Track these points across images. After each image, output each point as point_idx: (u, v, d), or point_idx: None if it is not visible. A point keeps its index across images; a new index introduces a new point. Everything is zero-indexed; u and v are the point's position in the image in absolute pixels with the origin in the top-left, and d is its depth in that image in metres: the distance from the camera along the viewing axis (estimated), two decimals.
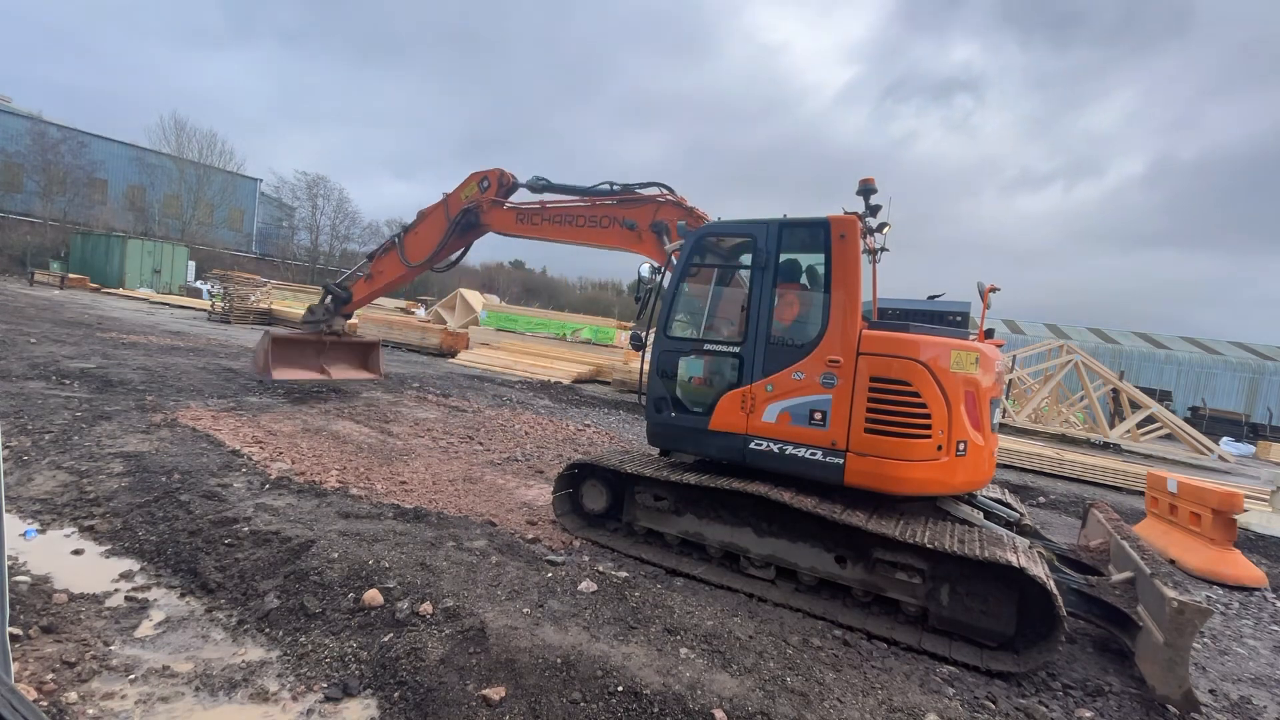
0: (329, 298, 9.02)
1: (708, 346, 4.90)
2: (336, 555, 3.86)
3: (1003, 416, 18.13)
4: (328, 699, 2.81)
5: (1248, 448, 22.38)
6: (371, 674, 2.96)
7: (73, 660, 2.82)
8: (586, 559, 4.51)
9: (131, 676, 2.82)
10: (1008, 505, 5.10)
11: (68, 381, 8.11)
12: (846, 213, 4.37)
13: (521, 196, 7.42)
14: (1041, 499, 9.35)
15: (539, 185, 6.86)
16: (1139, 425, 17.05)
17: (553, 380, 15.64)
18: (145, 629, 3.21)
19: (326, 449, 6.60)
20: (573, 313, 30.12)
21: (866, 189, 4.69)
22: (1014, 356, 20.13)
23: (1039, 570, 3.55)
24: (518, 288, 55.31)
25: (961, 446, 4.00)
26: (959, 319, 4.47)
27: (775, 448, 4.33)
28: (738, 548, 4.45)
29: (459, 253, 8.31)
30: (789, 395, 4.29)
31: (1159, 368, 34.74)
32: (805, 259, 4.63)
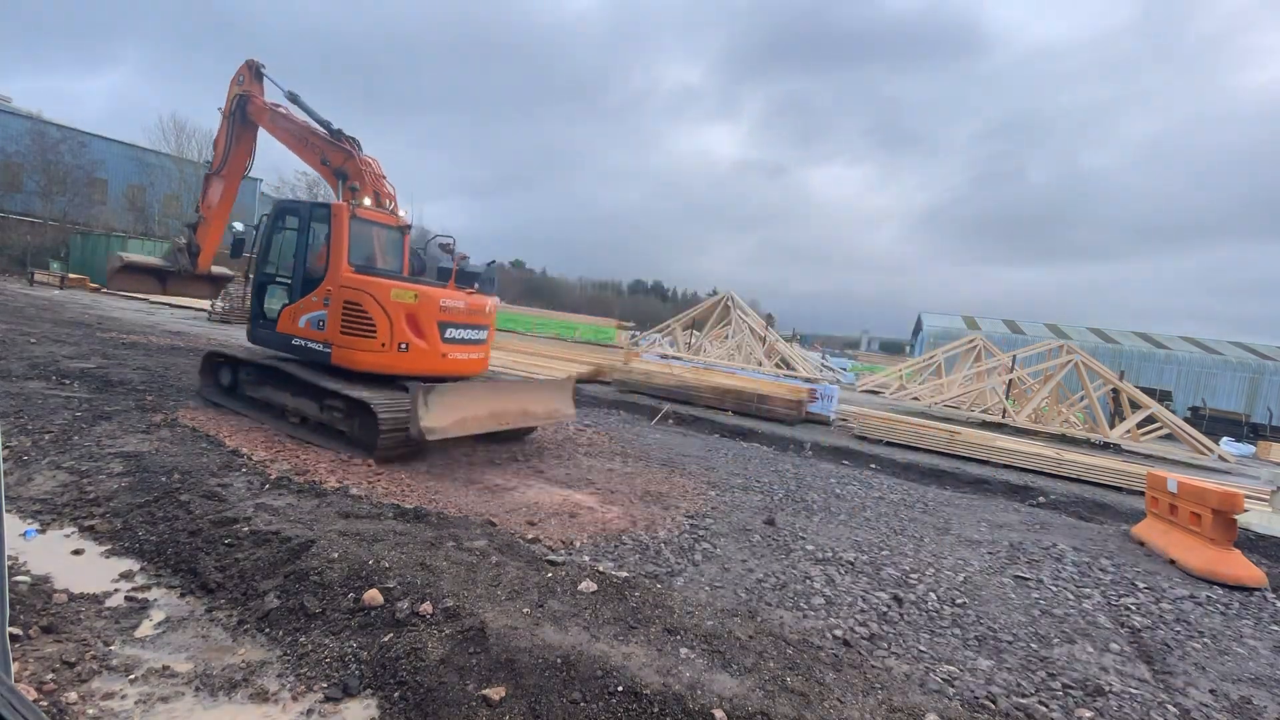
0: (188, 246, 10.01)
1: (277, 279, 7.56)
2: (336, 555, 3.86)
3: (1003, 416, 18.09)
4: (328, 699, 2.80)
5: (1248, 448, 22.39)
6: (371, 674, 2.96)
7: (73, 660, 2.82)
8: (586, 559, 4.51)
9: (131, 676, 2.82)
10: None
11: (68, 381, 8.11)
12: (337, 202, 7.15)
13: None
14: (1041, 499, 9.35)
15: (291, 97, 8.48)
16: (1139, 425, 17.05)
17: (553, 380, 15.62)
18: (145, 629, 3.21)
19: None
20: (573, 313, 30.11)
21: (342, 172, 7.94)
22: (1014, 356, 20.14)
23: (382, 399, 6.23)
24: (518, 288, 55.32)
25: (404, 346, 6.56)
26: (481, 275, 8.01)
27: (304, 343, 6.99)
28: (284, 401, 7.18)
29: (249, 159, 9.61)
30: (310, 310, 6.98)
31: (1159, 368, 34.74)
32: (324, 226, 7.13)
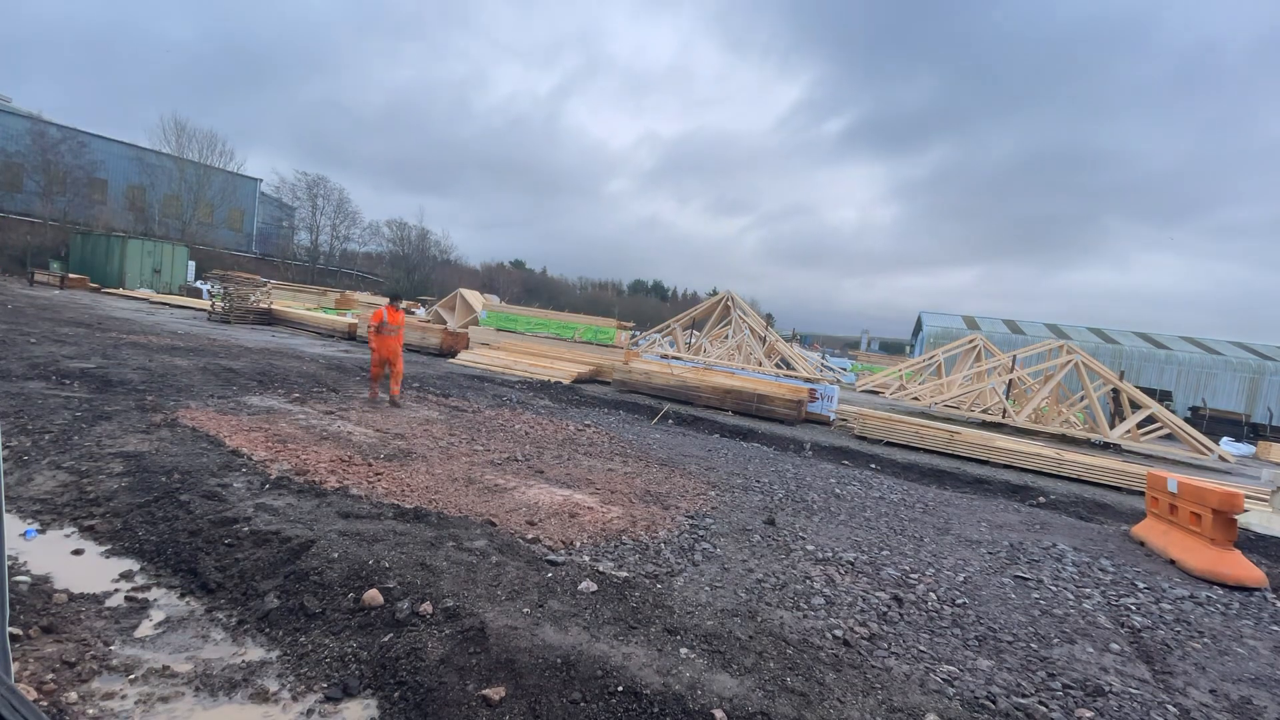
0: None
1: None
2: (336, 555, 3.86)
3: (1003, 416, 18.10)
4: (328, 699, 2.80)
5: (1248, 448, 22.40)
6: (371, 674, 2.96)
7: (73, 660, 2.82)
8: (586, 559, 4.51)
9: (131, 676, 2.82)
10: None
11: (68, 381, 8.11)
12: None
13: None
14: (1041, 499, 9.35)
15: None
16: (1139, 425, 17.04)
17: (553, 380, 15.63)
18: (145, 629, 3.21)
19: (326, 449, 6.59)
20: (573, 313, 30.09)
21: None
22: (1014, 356, 20.12)
23: None
24: (518, 288, 55.40)
25: None
26: None
27: None
28: None
29: None
30: None
31: (1159, 368, 34.74)
32: None
